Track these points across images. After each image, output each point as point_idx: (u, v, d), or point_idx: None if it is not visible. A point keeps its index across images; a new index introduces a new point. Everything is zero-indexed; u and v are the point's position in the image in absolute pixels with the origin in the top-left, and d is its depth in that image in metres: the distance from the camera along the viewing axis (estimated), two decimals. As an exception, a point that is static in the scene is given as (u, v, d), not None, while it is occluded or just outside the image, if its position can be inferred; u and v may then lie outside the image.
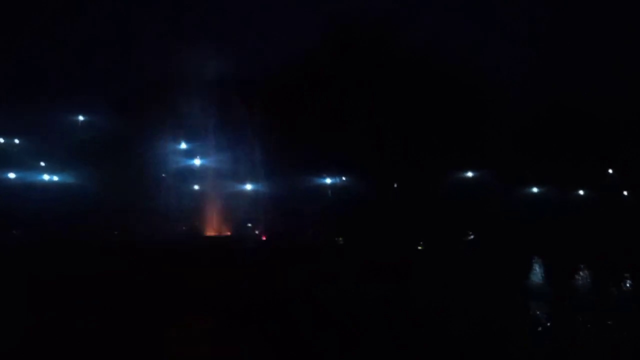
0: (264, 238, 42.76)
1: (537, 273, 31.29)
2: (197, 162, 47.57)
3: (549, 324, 23.07)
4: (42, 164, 48.85)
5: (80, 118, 51.69)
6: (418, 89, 44.74)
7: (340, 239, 40.89)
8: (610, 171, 47.91)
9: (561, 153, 45.22)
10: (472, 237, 41.39)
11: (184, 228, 44.52)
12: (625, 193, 47.34)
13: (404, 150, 43.49)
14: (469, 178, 45.84)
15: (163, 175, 47.31)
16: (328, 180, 46.18)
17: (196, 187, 46.69)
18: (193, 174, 47.05)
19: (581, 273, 32.55)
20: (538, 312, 24.52)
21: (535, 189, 47.14)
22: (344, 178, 45.58)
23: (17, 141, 50.70)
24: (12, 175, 47.24)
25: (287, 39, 48.44)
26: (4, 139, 50.06)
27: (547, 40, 53.90)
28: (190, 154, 47.88)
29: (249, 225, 45.11)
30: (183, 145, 48.14)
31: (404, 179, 44.99)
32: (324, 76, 44.76)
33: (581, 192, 47.07)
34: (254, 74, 46.12)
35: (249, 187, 45.52)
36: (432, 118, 44.53)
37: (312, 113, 42.91)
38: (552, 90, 48.28)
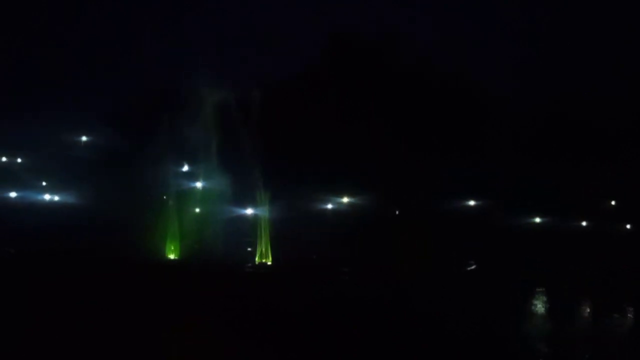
0: (264, 262, 42.50)
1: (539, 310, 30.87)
2: (197, 184, 47.52)
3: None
4: (44, 183, 49.06)
5: (81, 138, 52.01)
6: (421, 98, 44.98)
7: (345, 269, 40.44)
8: (613, 202, 47.81)
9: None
10: (473, 266, 40.95)
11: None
12: (628, 226, 47.17)
13: (408, 164, 43.43)
14: (472, 205, 45.75)
15: (164, 197, 47.24)
16: (330, 205, 46.10)
17: (197, 209, 46.53)
18: (194, 196, 46.92)
19: (583, 307, 32.37)
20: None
21: (537, 219, 47.02)
22: (345, 200, 45.52)
23: (19, 160, 50.93)
24: (13, 194, 47.44)
25: (289, 56, 48.67)
26: (6, 157, 50.32)
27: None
28: (191, 175, 47.92)
29: (249, 249, 44.78)
30: (184, 167, 48.21)
31: (406, 201, 44.92)
32: (328, 92, 44.93)
33: (583, 223, 46.93)
34: (255, 92, 46.35)
35: (249, 210, 45.36)
36: (435, 126, 44.68)
37: (314, 131, 43.05)
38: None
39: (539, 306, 33.05)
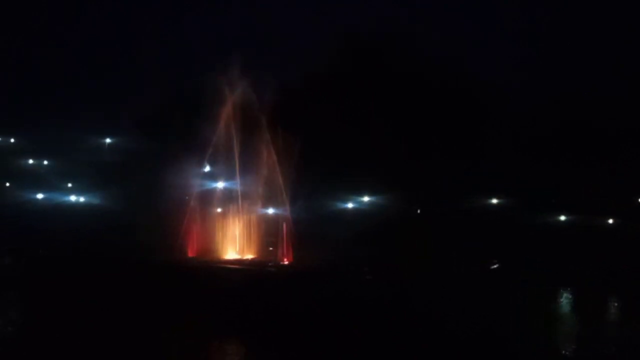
0: (286, 261, 42.73)
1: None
2: (220, 184, 47.88)
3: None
4: (70, 185, 49.99)
5: (106, 140, 52.84)
6: (434, 99, 45.03)
7: (367, 269, 40.36)
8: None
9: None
10: (496, 265, 40.55)
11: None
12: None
13: (426, 163, 43.50)
14: (492, 203, 45.53)
15: (186, 197, 47.72)
16: (350, 205, 46.23)
17: (219, 209, 46.92)
18: (216, 196, 47.32)
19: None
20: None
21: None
22: (366, 199, 45.61)
23: (45, 162, 51.96)
24: (40, 196, 48.42)
25: (305, 58, 48.89)
26: (33, 160, 51.41)
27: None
28: (212, 176, 48.36)
29: (271, 249, 45.05)
30: (206, 168, 48.65)
31: (425, 201, 44.91)
32: (343, 92, 45.13)
33: (610, 221, 46.34)
34: (274, 93, 46.64)
35: (271, 210, 45.61)
36: (450, 125, 44.69)
37: (334, 131, 43.25)
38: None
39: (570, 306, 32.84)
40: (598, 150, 45.85)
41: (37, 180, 50.53)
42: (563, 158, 45.45)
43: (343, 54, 48.24)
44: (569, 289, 35.78)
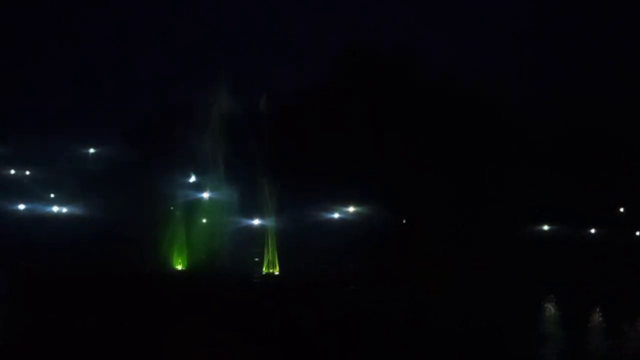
0: (271, 272, 42.51)
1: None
2: (205, 195, 47.58)
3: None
4: (52, 195, 49.40)
5: (90, 150, 52.38)
6: (431, 109, 45.23)
7: (353, 280, 40.02)
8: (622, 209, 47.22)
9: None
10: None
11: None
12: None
13: (420, 178, 43.41)
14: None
15: (171, 208, 47.37)
16: (337, 215, 46.14)
17: (204, 220, 46.61)
18: (201, 207, 47.02)
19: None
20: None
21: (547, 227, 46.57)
22: (352, 209, 45.50)
23: (27, 173, 51.38)
24: (22, 207, 47.79)
25: (302, 70, 49.01)
26: (15, 170, 50.81)
27: (568, 63, 53.90)
28: (199, 187, 48.05)
29: (256, 259, 44.79)
30: (192, 179, 48.36)
31: (415, 212, 44.75)
32: (338, 107, 45.15)
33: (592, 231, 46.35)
34: (263, 105, 46.59)
35: (257, 220, 45.39)
36: (446, 142, 44.81)
37: (325, 143, 43.18)
38: (575, 113, 47.86)
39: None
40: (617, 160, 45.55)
41: (20, 190, 49.89)
42: (582, 168, 45.08)
43: (350, 67, 48.41)
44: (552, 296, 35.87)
